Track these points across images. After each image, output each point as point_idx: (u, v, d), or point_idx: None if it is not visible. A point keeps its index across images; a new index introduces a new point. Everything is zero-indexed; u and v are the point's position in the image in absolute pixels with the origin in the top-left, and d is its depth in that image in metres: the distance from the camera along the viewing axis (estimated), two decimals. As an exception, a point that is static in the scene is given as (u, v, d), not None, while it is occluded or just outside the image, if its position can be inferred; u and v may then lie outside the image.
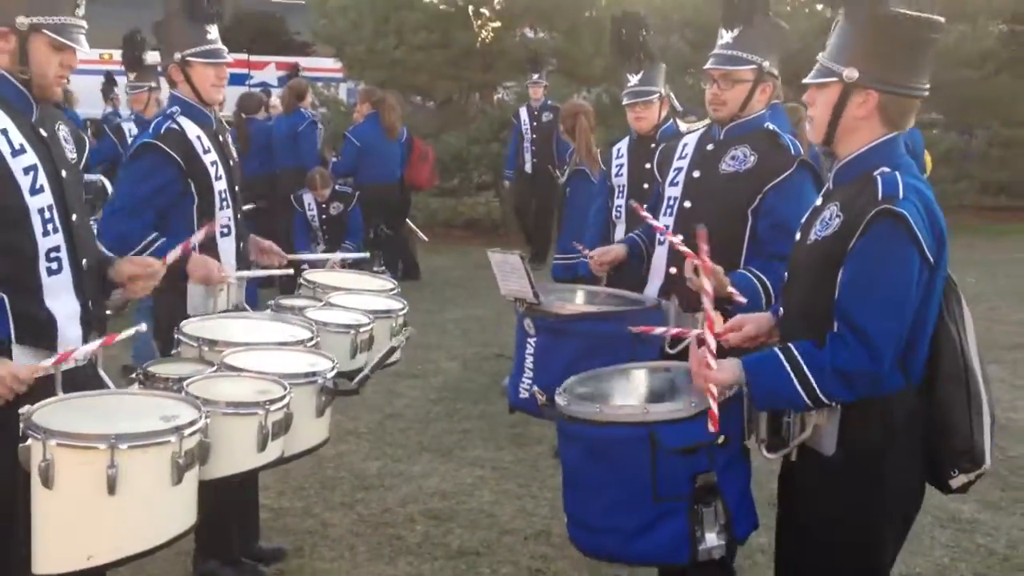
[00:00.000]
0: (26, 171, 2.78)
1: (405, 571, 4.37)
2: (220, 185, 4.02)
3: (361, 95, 11.10)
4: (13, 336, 2.78)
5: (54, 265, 2.86)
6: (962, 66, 14.85)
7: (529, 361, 3.60)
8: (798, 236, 2.83)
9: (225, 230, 4.07)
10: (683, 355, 3.36)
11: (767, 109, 3.72)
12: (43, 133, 2.91)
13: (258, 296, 4.57)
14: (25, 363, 2.81)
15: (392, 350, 3.25)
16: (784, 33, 3.71)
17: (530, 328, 3.59)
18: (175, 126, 3.92)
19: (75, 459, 2.45)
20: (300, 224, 9.71)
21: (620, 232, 5.46)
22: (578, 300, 3.82)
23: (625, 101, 5.49)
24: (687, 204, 3.69)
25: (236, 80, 13.90)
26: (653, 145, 5.35)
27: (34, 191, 2.80)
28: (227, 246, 4.09)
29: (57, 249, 2.86)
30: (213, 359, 3.16)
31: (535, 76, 12.42)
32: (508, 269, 3.58)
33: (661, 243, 3.76)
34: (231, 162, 4.15)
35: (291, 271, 4.52)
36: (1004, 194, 17.08)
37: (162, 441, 2.51)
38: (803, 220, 2.84)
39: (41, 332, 2.83)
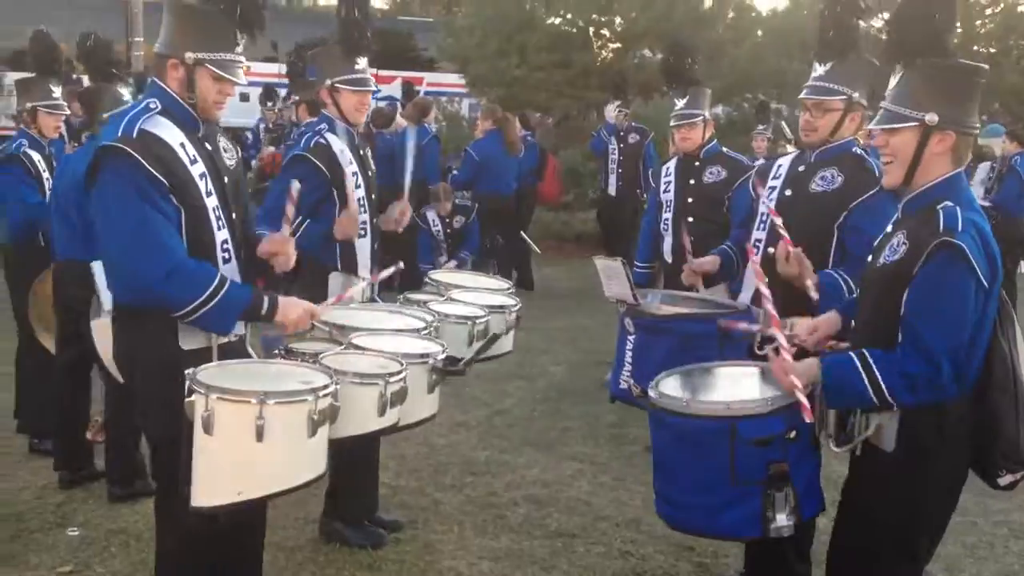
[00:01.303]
0: (200, 176, 3.32)
1: (507, 546, 4.80)
2: (359, 193, 4.56)
3: (484, 112, 11.64)
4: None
5: (226, 255, 3.39)
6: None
7: (628, 356, 4.02)
8: (870, 258, 3.16)
9: (363, 231, 4.61)
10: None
11: (855, 135, 4.05)
12: (208, 146, 3.44)
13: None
14: (190, 338, 3.32)
15: (495, 336, 3.70)
16: (873, 68, 4.02)
17: (629, 326, 4.00)
18: (322, 140, 4.47)
19: (231, 410, 2.96)
20: (424, 240, 10.25)
21: (668, 244, 5.95)
22: (674, 303, 4.20)
23: (672, 123, 5.94)
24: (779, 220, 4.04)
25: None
26: (697, 164, 5.80)
27: (208, 193, 3.33)
28: (363, 245, 4.64)
29: (227, 242, 3.39)
30: (342, 341, 3.66)
31: (617, 103, 11.56)
32: (611, 273, 4.01)
33: (756, 254, 4.11)
34: (369, 173, 4.69)
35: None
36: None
37: (301, 399, 3.00)
38: (875, 244, 3.17)
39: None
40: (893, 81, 3.06)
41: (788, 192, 4.06)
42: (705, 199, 5.75)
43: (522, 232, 11.49)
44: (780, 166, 4.18)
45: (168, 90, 3.35)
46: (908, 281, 2.88)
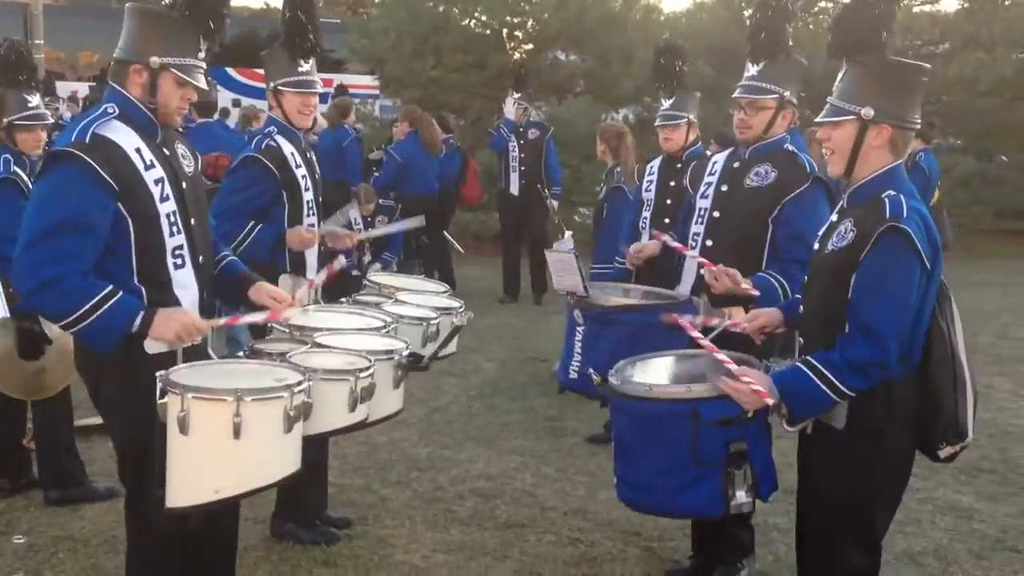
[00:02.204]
0: (156, 182, 3.31)
1: (459, 538, 4.88)
2: (308, 195, 4.60)
3: (403, 114, 11.67)
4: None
5: (179, 261, 3.38)
6: (981, 94, 15.35)
7: (578, 347, 4.14)
8: (816, 246, 3.33)
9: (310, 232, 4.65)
10: (713, 342, 3.91)
11: (787, 132, 4.24)
12: (166, 152, 3.44)
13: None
14: (155, 343, 3.30)
15: (457, 328, 3.80)
16: (803, 67, 4.21)
17: (579, 318, 4.13)
18: (273, 143, 4.51)
19: (207, 409, 2.98)
20: None
21: (644, 241, 6.03)
22: (620, 295, 4.34)
23: (657, 123, 6.07)
24: (716, 214, 4.21)
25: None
26: (679, 165, 5.95)
27: (162, 199, 3.32)
28: (312, 248, 4.67)
29: (180, 247, 3.38)
30: (305, 340, 3.71)
31: (516, 95, 11.16)
32: (562, 266, 4.13)
33: (694, 247, 4.27)
34: (316, 176, 4.72)
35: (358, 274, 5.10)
36: (1020, 218, 17.55)
37: (277, 396, 3.04)
38: (821, 233, 3.33)
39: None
40: (839, 77, 3.24)
41: (724, 187, 4.23)
42: (683, 201, 5.86)
43: (445, 232, 11.56)
44: (715, 162, 4.35)
45: (128, 95, 3.34)
46: (855, 266, 3.05)
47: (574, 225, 15.08)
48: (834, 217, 3.32)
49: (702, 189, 4.28)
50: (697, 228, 4.25)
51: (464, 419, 6.81)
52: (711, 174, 4.30)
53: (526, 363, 8.42)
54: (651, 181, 6.13)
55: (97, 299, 3.13)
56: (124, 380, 3.28)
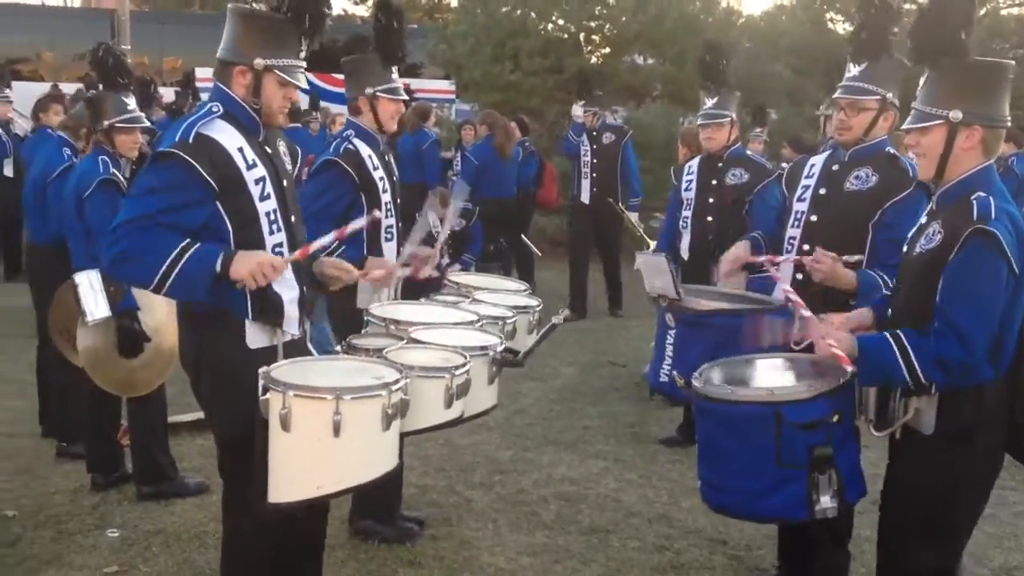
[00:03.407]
0: (257, 181, 3.37)
1: (543, 542, 4.88)
2: (386, 197, 4.64)
3: (481, 117, 11.72)
4: (250, 314, 3.36)
5: None
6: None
7: (669, 350, 4.12)
8: (905, 248, 3.30)
9: (388, 235, 4.69)
10: (807, 349, 3.86)
11: (888, 134, 4.16)
12: (268, 150, 3.51)
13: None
14: (257, 338, 3.40)
15: (554, 327, 3.79)
16: (905, 69, 4.13)
17: (670, 321, 4.11)
18: (351, 146, 4.55)
19: (308, 407, 3.01)
20: (424, 239, 10.24)
21: (685, 241, 6.13)
22: (712, 299, 4.29)
23: (700, 122, 6.08)
24: (813, 218, 4.14)
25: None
26: (720, 164, 5.94)
27: (263, 197, 3.39)
28: (389, 248, 4.70)
29: (280, 245, 3.44)
30: (400, 335, 3.73)
31: (580, 103, 10.46)
32: (654, 269, 4.11)
33: (788, 251, 4.21)
34: (394, 178, 4.76)
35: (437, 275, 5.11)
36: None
37: (375, 394, 3.06)
38: (910, 235, 3.30)
39: (272, 312, 3.41)
40: (922, 82, 3.19)
41: (822, 191, 4.16)
42: (726, 199, 5.85)
43: (523, 235, 11.58)
44: (813, 165, 4.28)
45: (232, 95, 3.41)
46: (943, 267, 3.01)
47: (652, 232, 15.10)
48: (923, 219, 3.28)
49: (799, 192, 4.22)
50: (793, 232, 4.19)
51: (545, 423, 6.81)
52: (808, 177, 4.23)
53: (604, 368, 8.39)
54: (691, 180, 6.17)
55: (176, 252, 3.19)
56: (225, 374, 3.36)
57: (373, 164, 4.60)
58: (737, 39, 16.73)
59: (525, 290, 4.87)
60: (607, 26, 15.31)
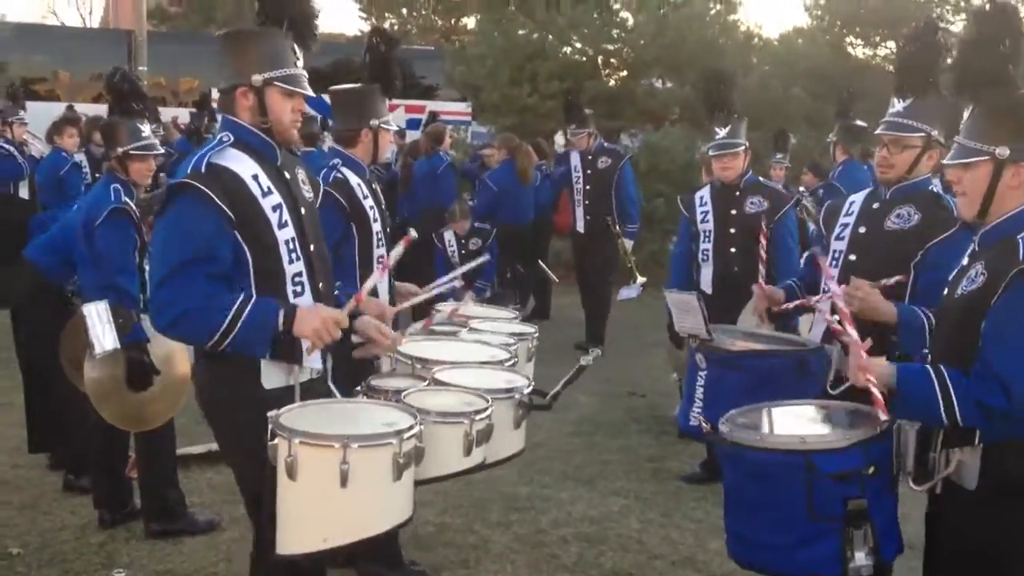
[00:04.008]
0: (274, 208, 3.24)
1: (564, 586, 4.72)
2: (376, 227, 4.50)
3: (500, 141, 11.60)
4: (269, 352, 3.21)
5: (299, 288, 3.30)
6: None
7: (699, 392, 3.94)
8: (946, 291, 3.12)
9: (380, 265, 4.55)
10: (844, 396, 3.69)
11: (931, 173, 3.99)
12: (286, 176, 3.38)
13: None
14: (272, 378, 3.26)
15: (581, 369, 3.64)
16: (951, 106, 3.97)
17: (701, 362, 3.94)
18: (340, 175, 4.42)
19: (314, 455, 2.86)
20: (440, 261, 10.12)
21: (707, 273, 5.95)
22: (744, 339, 4.12)
23: (712, 153, 5.93)
24: (852, 257, 3.98)
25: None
26: (738, 193, 5.78)
27: (281, 225, 3.25)
28: (383, 279, 4.56)
29: (300, 274, 3.30)
30: (424, 375, 3.58)
31: (572, 127, 10.03)
32: (684, 307, 3.95)
33: (827, 291, 4.04)
34: (382, 206, 4.63)
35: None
36: None
37: (385, 443, 2.90)
38: (951, 277, 3.12)
39: (291, 348, 3.25)
40: (965, 116, 3.04)
41: (862, 229, 4.00)
42: (748, 229, 5.72)
43: (540, 261, 11.42)
44: (853, 203, 4.13)
45: (240, 122, 3.30)
46: (985, 311, 2.84)
47: (667, 257, 14.91)
48: (965, 260, 3.10)
49: (837, 231, 4.06)
50: (832, 271, 4.02)
51: (564, 457, 6.63)
52: (847, 215, 4.07)
53: (623, 399, 8.21)
54: (705, 212, 6.01)
55: (235, 309, 3.09)
56: (241, 416, 3.22)
57: (363, 193, 4.48)
58: (748, 64, 16.68)
59: (516, 317, 4.78)
60: (625, 49, 15.19)
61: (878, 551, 3.01)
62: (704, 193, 6.05)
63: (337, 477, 2.80)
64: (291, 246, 3.27)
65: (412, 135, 14.56)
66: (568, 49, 15.23)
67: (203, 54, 20.97)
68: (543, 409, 3.65)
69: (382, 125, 4.56)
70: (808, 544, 3.01)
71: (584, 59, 15.11)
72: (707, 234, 5.92)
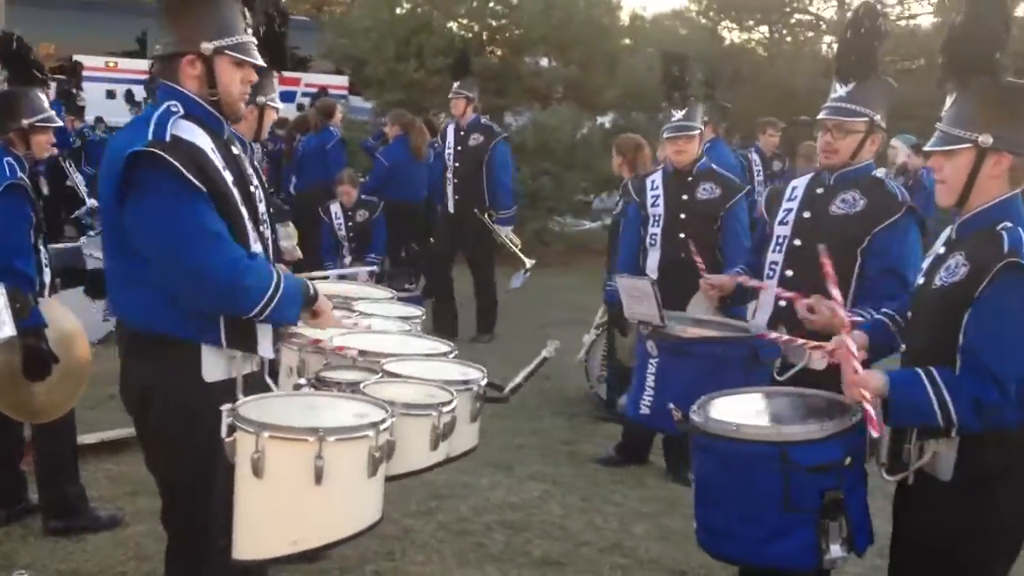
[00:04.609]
0: (233, 185, 3.00)
1: (495, 577, 4.60)
2: (261, 208, 4.29)
3: (392, 117, 11.33)
4: (224, 342, 2.98)
5: None
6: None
7: (650, 380, 3.87)
8: (921, 280, 3.08)
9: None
10: (791, 381, 3.66)
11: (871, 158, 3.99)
12: (233, 151, 3.13)
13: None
14: (214, 369, 3.02)
15: (544, 360, 3.51)
16: (892, 90, 3.97)
17: (652, 349, 3.86)
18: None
19: (286, 450, 2.66)
20: (327, 236, 9.75)
21: (653, 259, 5.85)
22: (693, 326, 4.06)
23: (667, 135, 5.84)
24: (797, 242, 3.95)
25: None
26: (690, 179, 5.74)
27: (241, 204, 3.02)
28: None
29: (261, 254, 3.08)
30: (371, 367, 3.39)
31: (456, 84, 9.32)
32: (637, 293, 3.85)
33: (770, 277, 4.01)
34: (265, 185, 4.42)
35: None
36: None
37: (362, 435, 2.73)
38: (926, 266, 3.09)
39: (246, 334, 3.04)
40: (949, 102, 3.01)
41: (806, 214, 3.98)
42: (699, 215, 5.66)
43: (432, 239, 11.21)
44: (795, 188, 4.10)
45: (186, 92, 3.03)
46: (968, 303, 2.82)
47: (551, 235, 14.93)
48: (941, 249, 3.07)
49: (780, 215, 4.03)
50: (775, 256, 3.99)
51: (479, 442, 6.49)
52: (790, 200, 4.04)
53: (538, 380, 8.08)
54: (656, 196, 5.89)
55: (276, 277, 3.00)
56: (178, 411, 2.98)
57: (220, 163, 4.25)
58: (632, 45, 16.81)
59: (392, 297, 4.66)
60: (512, 27, 15.05)
61: (852, 542, 2.99)
62: (656, 177, 5.94)
63: (311, 473, 2.61)
64: (249, 227, 3.05)
65: (285, 109, 14.10)
66: (454, 25, 15.00)
67: (62, 19, 19.93)
68: (499, 402, 3.51)
69: (268, 103, 4.37)
70: (782, 536, 2.97)
71: (470, 35, 14.91)
72: (656, 219, 5.81)
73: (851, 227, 3.84)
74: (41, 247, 4.70)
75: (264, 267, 2.99)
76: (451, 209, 9.25)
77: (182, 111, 2.97)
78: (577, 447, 6.47)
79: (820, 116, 3.93)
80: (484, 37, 15.34)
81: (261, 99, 4.31)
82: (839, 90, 3.89)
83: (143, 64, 17.12)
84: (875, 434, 2.86)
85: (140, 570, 4.49)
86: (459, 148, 9.16)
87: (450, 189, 9.22)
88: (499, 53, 15.55)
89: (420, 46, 14.12)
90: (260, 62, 3.11)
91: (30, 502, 4.95)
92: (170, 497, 3.16)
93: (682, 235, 5.51)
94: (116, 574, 4.46)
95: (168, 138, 2.86)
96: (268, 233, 3.68)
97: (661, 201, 5.76)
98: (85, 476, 5.19)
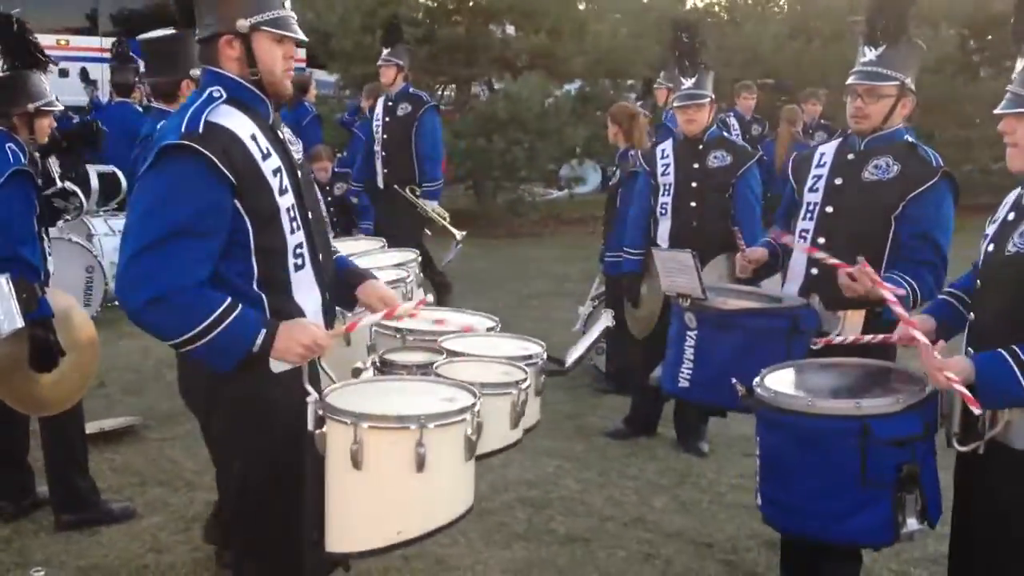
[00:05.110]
0: (274, 173, 2.85)
1: (524, 556, 4.54)
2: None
3: (368, 91, 11.13)
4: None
5: (299, 261, 2.93)
6: (925, 71, 15.39)
7: (689, 353, 3.82)
8: (991, 247, 3.00)
9: None
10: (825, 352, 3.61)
11: (902, 122, 3.93)
12: (279, 135, 2.99)
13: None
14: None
15: (608, 329, 3.46)
16: (921, 52, 3.92)
17: (691, 322, 3.80)
18: None
19: (387, 440, 2.61)
20: None
21: (664, 228, 5.77)
22: (734, 297, 4.00)
23: (677, 104, 5.75)
24: (828, 209, 3.90)
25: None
26: (701, 147, 5.66)
27: (282, 192, 2.87)
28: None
29: (300, 246, 2.93)
30: (427, 347, 3.33)
31: (385, 52, 8.81)
32: (676, 266, 3.79)
33: (801, 243, 3.95)
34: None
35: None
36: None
37: (459, 419, 2.69)
38: (993, 232, 3.02)
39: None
40: (1020, 64, 2.95)
41: (838, 181, 3.93)
42: (710, 184, 5.59)
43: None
44: (823, 154, 4.05)
45: (228, 74, 2.88)
46: None
47: (525, 206, 14.80)
48: (1010, 215, 3.00)
49: (810, 183, 3.98)
50: (806, 224, 3.94)
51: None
52: (819, 166, 3.99)
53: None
54: (667, 164, 5.81)
55: (216, 314, 2.69)
56: (248, 407, 2.85)
57: None
58: (601, 12, 16.69)
59: (382, 246, 4.63)
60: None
61: (926, 513, 2.96)
62: (666, 146, 5.86)
63: (413, 461, 2.58)
64: (292, 214, 2.90)
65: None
66: (421, -6, 14.78)
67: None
68: (561, 375, 3.46)
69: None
70: (859, 511, 2.95)
71: (435, 4, 14.69)
72: (667, 187, 5.73)
73: (885, 193, 3.80)
74: (44, 235, 4.53)
75: (196, 309, 2.69)
76: (380, 184, 8.76)
77: (225, 95, 2.83)
78: (583, 420, 6.43)
79: (850, 81, 3.87)
80: (450, 7, 15.10)
81: (195, 72, 4.09)
82: (868, 54, 3.83)
83: (96, 41, 16.75)
84: (977, 411, 2.79)
85: (160, 563, 4.39)
86: (387, 119, 8.71)
87: (379, 163, 8.75)
88: (465, 23, 15.30)
89: (386, 18, 13.83)
90: (301, 36, 2.95)
91: (37, 497, 4.81)
92: (236, 499, 3.00)
93: (693, 204, 5.45)
94: (137, 567, 4.34)
95: (201, 127, 2.73)
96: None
97: (672, 170, 5.69)
98: (89, 468, 5.06)
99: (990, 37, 17.10)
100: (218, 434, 2.98)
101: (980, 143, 15.75)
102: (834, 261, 3.50)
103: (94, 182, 8.79)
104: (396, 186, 8.48)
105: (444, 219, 8.60)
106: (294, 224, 2.91)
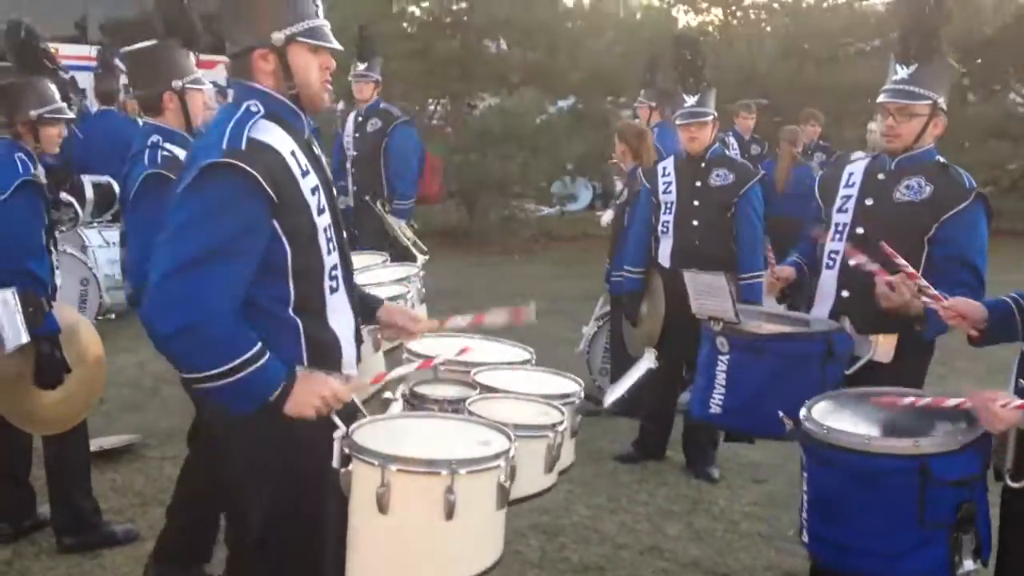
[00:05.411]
0: (312, 191, 2.74)
1: (541, 585, 4.43)
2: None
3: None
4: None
5: (334, 283, 2.82)
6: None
7: (721, 378, 3.73)
8: None
9: None
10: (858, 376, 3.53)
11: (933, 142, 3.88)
12: (315, 151, 2.88)
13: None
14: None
15: (648, 372, 3.36)
16: (953, 71, 3.87)
17: (723, 346, 3.72)
18: (167, 152, 3.93)
19: (416, 485, 2.47)
20: None
21: (666, 246, 5.72)
22: (767, 321, 3.92)
23: (680, 121, 5.72)
24: (859, 230, 3.84)
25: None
26: (703, 165, 5.62)
27: (320, 211, 2.76)
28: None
29: (336, 267, 2.82)
30: (461, 379, 3.21)
31: (361, 67, 8.40)
32: (708, 289, 3.71)
33: (830, 267, 3.89)
34: None
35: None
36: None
37: (493, 466, 2.55)
38: None
39: (327, 354, 2.80)
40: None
41: (869, 201, 3.87)
42: (712, 202, 5.53)
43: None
44: (852, 173, 3.99)
45: (264, 89, 2.76)
46: None
47: (517, 223, 14.72)
48: None
49: (839, 203, 3.93)
50: (836, 245, 3.88)
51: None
52: (848, 186, 3.94)
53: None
54: (669, 183, 5.79)
55: (243, 359, 2.55)
56: (273, 441, 2.69)
57: None
58: (598, 31, 16.67)
59: (384, 260, 4.58)
60: (474, 12, 14.78)
61: (980, 553, 2.88)
62: (668, 164, 5.82)
63: (442, 509, 2.43)
64: (328, 235, 2.78)
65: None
66: (415, 9, 14.71)
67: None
68: (597, 415, 3.34)
69: (188, 86, 4.05)
70: (915, 551, 2.88)
71: (431, 19, 14.64)
72: (669, 206, 5.69)
73: (917, 214, 3.74)
74: (52, 248, 4.40)
75: (226, 347, 2.56)
76: (350, 201, 8.37)
77: (263, 110, 2.72)
78: (593, 444, 6.26)
79: (881, 99, 3.84)
80: (445, 21, 15.06)
81: (177, 83, 4.01)
82: (900, 72, 3.79)
83: (85, 50, 16.56)
84: None
85: (166, 588, 4.24)
86: (357, 135, 8.44)
87: (348, 180, 8.42)
88: (459, 38, 15.27)
89: (379, 32, 13.78)
90: (337, 45, 2.83)
91: (37, 518, 4.67)
92: (257, 536, 2.80)
93: (695, 222, 5.41)
94: (141, 592, 4.20)
95: (244, 144, 2.61)
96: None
97: (673, 188, 5.65)
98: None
99: (979, 61, 17.14)
100: (236, 470, 2.81)
101: (969, 167, 15.76)
102: (874, 267, 3.42)
103: (89, 193, 8.66)
104: (367, 198, 8.27)
105: (408, 239, 8.46)
106: (331, 245, 2.80)
